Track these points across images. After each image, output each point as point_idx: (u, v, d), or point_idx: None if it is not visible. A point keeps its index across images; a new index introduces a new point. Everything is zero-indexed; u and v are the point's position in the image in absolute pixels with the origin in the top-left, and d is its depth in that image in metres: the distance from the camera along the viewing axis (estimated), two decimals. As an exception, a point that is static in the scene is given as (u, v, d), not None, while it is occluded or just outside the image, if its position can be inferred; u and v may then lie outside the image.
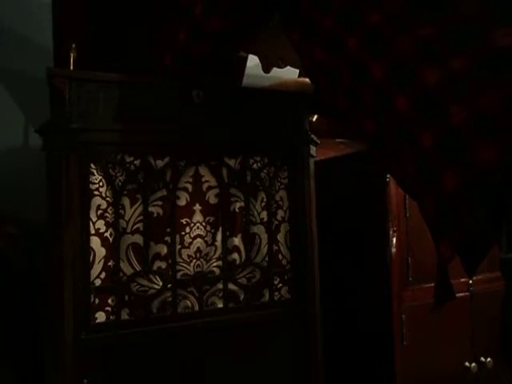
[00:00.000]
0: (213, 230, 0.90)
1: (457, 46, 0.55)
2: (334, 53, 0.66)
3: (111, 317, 0.82)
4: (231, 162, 0.93)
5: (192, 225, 0.89)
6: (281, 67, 0.96)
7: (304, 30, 0.71)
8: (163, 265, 0.86)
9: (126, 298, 0.83)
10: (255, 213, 0.95)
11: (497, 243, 0.55)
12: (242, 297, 0.92)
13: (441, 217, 0.56)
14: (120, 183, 0.84)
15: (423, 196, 0.60)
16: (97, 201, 0.82)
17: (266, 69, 0.98)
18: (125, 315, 0.83)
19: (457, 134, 0.53)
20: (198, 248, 0.89)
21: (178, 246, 0.87)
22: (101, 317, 0.81)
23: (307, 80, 0.87)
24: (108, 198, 0.83)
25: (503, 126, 0.50)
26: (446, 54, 0.55)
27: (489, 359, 1.25)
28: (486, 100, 0.51)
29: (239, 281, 0.92)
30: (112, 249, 0.82)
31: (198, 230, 0.89)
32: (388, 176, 1.14)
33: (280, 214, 0.97)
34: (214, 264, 0.90)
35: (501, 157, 0.50)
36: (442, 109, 0.54)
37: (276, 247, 0.96)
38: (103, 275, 0.82)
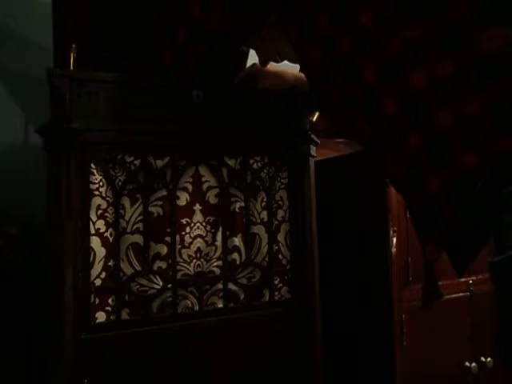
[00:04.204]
0: (213, 230, 0.90)
1: (444, 50, 0.56)
2: (328, 52, 0.67)
3: (111, 317, 0.82)
4: (231, 162, 0.92)
5: (192, 225, 0.89)
6: (278, 62, 0.97)
7: (300, 29, 0.71)
8: (163, 265, 0.86)
9: (126, 297, 0.83)
10: (255, 213, 0.95)
11: (485, 245, 0.56)
12: (242, 297, 0.92)
13: (426, 218, 0.58)
14: (120, 183, 0.84)
15: (410, 196, 0.61)
16: (97, 201, 0.82)
17: (263, 63, 0.98)
18: (125, 315, 0.83)
19: (442, 138, 0.54)
20: (198, 248, 0.89)
21: (178, 246, 0.87)
22: (101, 317, 0.81)
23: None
24: (108, 198, 0.83)
25: (485, 131, 0.51)
26: (433, 58, 0.56)
27: (489, 359, 1.25)
28: (470, 105, 0.52)
29: (239, 281, 0.92)
30: (112, 249, 0.82)
31: (198, 230, 0.89)
32: (388, 176, 1.14)
33: (280, 213, 0.97)
34: (214, 264, 0.90)
35: (482, 161, 0.51)
36: (428, 112, 0.55)
37: (276, 247, 0.96)
38: (103, 275, 0.82)
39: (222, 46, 0.84)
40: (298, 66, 0.97)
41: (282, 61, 0.97)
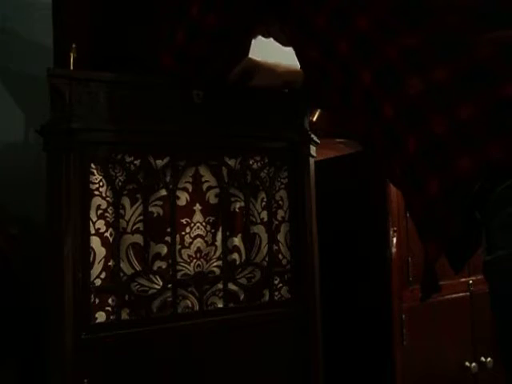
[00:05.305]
0: (213, 230, 0.90)
1: (440, 56, 0.56)
2: (326, 53, 0.67)
3: (111, 317, 0.82)
4: (231, 162, 0.93)
5: (192, 225, 0.89)
6: (265, 37, 0.96)
7: (299, 29, 0.72)
8: (163, 265, 0.86)
9: (126, 297, 0.83)
10: (255, 213, 0.95)
11: (480, 245, 0.57)
12: (242, 297, 0.92)
13: (426, 219, 0.59)
14: (120, 183, 0.84)
15: (410, 198, 0.62)
16: (97, 201, 0.82)
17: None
18: (125, 315, 0.83)
19: (438, 143, 0.55)
20: (198, 248, 0.89)
21: (178, 246, 0.87)
22: (101, 317, 0.81)
23: (299, 69, 0.87)
24: (108, 198, 0.83)
25: (479, 136, 0.52)
26: (429, 64, 0.57)
27: (489, 359, 1.25)
28: (465, 110, 0.53)
29: (239, 281, 0.92)
30: (112, 249, 0.82)
31: (198, 230, 0.89)
32: (388, 176, 1.14)
33: (280, 213, 0.97)
34: (214, 264, 0.90)
35: (476, 165, 0.51)
36: (424, 117, 0.56)
37: (276, 247, 0.96)
38: (103, 275, 0.82)
39: (222, 46, 0.84)
40: (293, 62, 0.97)
41: (269, 37, 0.96)
